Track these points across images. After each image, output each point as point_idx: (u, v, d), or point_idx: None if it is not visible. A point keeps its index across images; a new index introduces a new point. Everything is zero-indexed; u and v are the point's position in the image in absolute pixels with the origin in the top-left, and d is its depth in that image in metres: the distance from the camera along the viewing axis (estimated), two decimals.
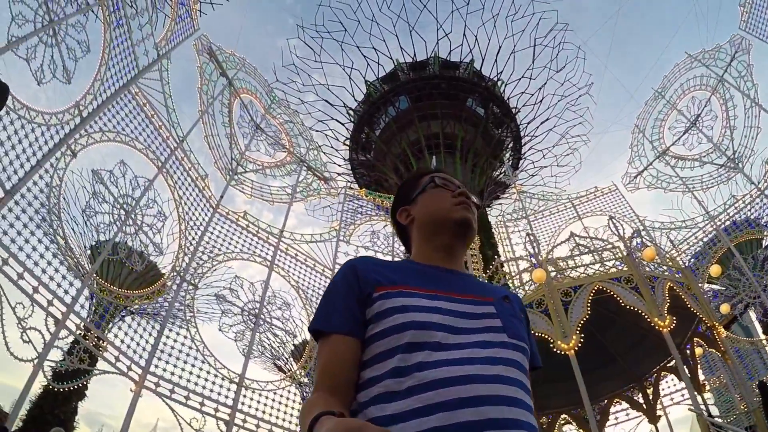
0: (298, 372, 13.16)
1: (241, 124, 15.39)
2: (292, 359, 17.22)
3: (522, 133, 30.21)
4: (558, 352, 10.49)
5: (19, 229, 8.54)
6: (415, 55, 30.03)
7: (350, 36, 29.49)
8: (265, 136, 15.90)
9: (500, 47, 29.09)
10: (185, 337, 11.29)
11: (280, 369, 19.13)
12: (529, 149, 30.41)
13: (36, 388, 29.14)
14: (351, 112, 30.82)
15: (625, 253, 11.32)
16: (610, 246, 12.04)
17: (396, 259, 13.30)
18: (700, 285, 14.16)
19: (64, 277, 9.25)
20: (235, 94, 15.28)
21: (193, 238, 12.20)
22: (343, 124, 30.92)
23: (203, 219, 12.69)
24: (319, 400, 1.21)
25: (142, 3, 12.46)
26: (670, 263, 12.33)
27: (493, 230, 21.50)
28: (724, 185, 15.80)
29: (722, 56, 16.28)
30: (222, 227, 13.09)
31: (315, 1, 29.83)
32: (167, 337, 10.99)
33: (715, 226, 15.11)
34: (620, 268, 11.20)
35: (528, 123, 29.97)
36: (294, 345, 15.31)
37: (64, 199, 9.73)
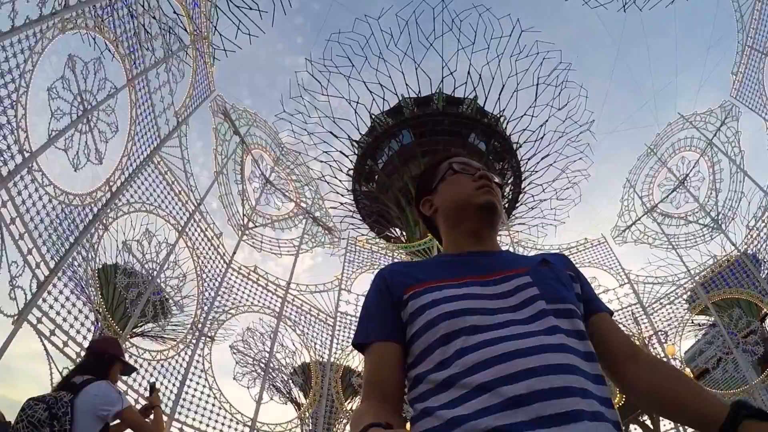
0: (306, 409, 14.29)
1: (252, 179, 16.53)
2: (301, 393, 18.48)
3: (522, 168, 31.08)
4: None
5: (63, 302, 9.71)
6: (419, 91, 31.05)
7: (357, 71, 30.55)
8: (274, 190, 17.07)
9: (504, 85, 30.03)
10: (204, 386, 12.47)
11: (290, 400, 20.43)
12: (528, 184, 31.32)
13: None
14: (355, 144, 31.84)
15: None
16: None
17: None
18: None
19: None
20: (247, 150, 16.43)
21: (210, 294, 13.36)
22: (347, 156, 31.97)
23: (218, 275, 13.84)
24: (369, 410, 1.25)
25: (164, 76, 13.65)
26: (636, 339, 13.18)
27: None
28: (706, 245, 16.49)
29: (713, 120, 17.04)
30: (235, 281, 14.23)
31: (322, 20, 31.01)
32: (188, 386, 12.17)
33: (694, 284, 15.77)
34: None
35: (529, 159, 30.86)
36: (302, 379, 16.55)
37: (99, 269, 10.95)
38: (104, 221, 11.05)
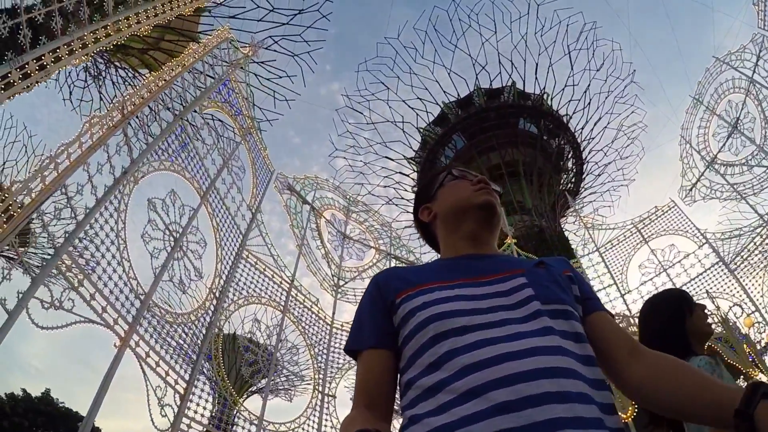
0: None
1: (331, 239, 17.83)
2: None
3: (579, 139, 30.81)
4: None
5: (204, 405, 11.29)
6: (458, 94, 31.54)
7: (394, 93, 31.39)
8: (353, 242, 18.35)
9: (537, 63, 30.03)
10: None
11: None
12: (589, 152, 31.00)
13: None
14: (411, 162, 32.62)
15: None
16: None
17: None
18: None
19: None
20: (319, 214, 17.76)
21: (322, 358, 14.76)
22: (407, 175, 32.79)
23: (325, 339, 15.24)
24: (357, 417, 1.25)
25: (228, 179, 15.16)
26: (715, 316, 13.12)
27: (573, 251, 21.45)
28: None
29: (748, 56, 16.53)
30: (341, 340, 15.57)
31: (347, 45, 31.96)
32: None
33: None
34: None
35: (582, 128, 30.59)
36: None
37: (223, 368, 12.54)
38: (218, 325, 12.63)
